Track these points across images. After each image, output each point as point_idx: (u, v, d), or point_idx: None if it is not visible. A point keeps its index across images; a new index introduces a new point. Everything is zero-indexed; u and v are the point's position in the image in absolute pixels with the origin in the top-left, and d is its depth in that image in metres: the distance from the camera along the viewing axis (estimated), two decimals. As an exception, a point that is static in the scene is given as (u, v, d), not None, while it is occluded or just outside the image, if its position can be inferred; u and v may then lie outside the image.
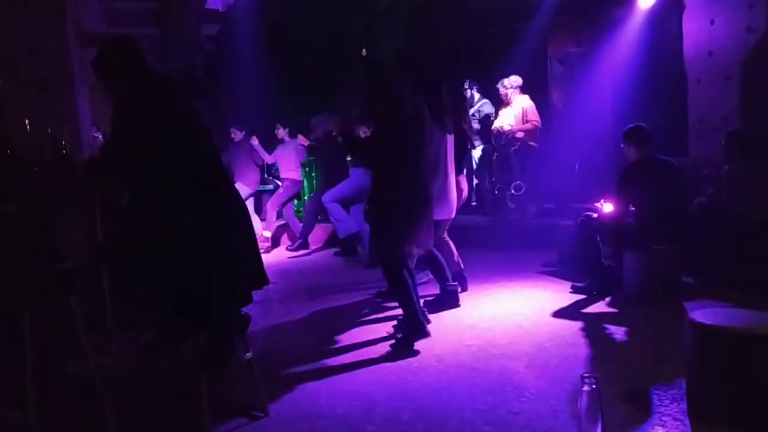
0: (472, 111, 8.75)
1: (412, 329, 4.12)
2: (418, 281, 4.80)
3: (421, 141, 4.20)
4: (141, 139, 2.94)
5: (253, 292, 3.22)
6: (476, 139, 8.76)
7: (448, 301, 5.06)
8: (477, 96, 8.82)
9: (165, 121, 2.99)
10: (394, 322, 4.60)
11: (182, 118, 3.09)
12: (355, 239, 7.41)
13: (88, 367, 2.96)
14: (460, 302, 5.11)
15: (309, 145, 8.65)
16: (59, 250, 3.02)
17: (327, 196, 7.38)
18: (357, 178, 7.26)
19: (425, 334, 4.12)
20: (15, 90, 4.50)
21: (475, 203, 9.11)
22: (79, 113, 4.78)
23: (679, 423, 2.90)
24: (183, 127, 3.05)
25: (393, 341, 4.19)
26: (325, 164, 8.23)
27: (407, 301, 4.13)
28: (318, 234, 8.60)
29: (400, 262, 4.11)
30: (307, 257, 8.12)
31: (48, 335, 2.91)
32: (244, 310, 3.26)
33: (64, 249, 3.07)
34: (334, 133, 7.44)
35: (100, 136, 5.80)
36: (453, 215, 5.16)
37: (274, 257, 8.08)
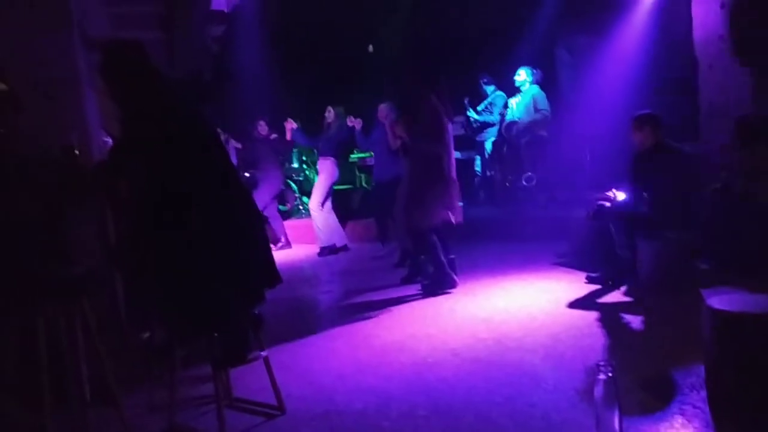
0: (484, 104, 8.73)
1: (440, 279, 5.31)
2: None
3: (446, 136, 5.24)
4: (149, 140, 2.94)
5: (265, 290, 3.21)
6: (487, 131, 8.74)
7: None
8: (491, 88, 8.78)
9: (172, 122, 2.99)
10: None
11: (189, 119, 3.08)
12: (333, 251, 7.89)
13: (103, 368, 2.97)
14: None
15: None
16: (71, 253, 3.03)
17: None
18: (327, 171, 7.91)
19: (452, 284, 5.34)
20: (23, 95, 4.51)
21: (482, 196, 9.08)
22: (87, 117, 4.78)
23: (698, 411, 2.86)
24: (190, 129, 3.05)
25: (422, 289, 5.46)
26: (262, 165, 8.32)
27: (435, 256, 5.31)
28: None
29: (428, 229, 5.29)
30: (309, 254, 8.10)
31: (62, 338, 2.92)
32: (260, 309, 3.26)
33: (76, 252, 3.07)
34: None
35: (110, 140, 5.81)
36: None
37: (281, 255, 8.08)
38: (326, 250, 7.83)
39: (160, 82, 3.11)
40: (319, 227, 7.90)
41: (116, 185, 3.21)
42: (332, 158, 7.96)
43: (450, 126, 5.56)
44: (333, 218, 7.96)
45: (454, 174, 5.42)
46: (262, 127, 8.42)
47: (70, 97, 4.78)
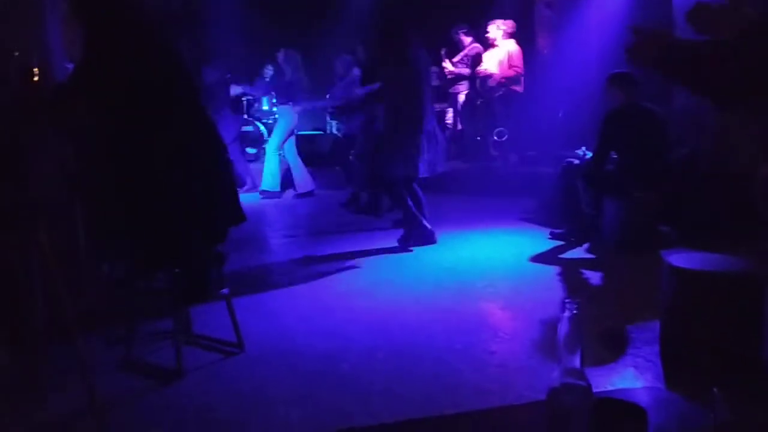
0: (460, 55, 8.61)
1: (418, 233, 5.11)
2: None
3: (421, 82, 5.00)
4: (111, 66, 2.82)
5: (230, 229, 3.16)
6: (461, 84, 8.65)
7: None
8: (468, 40, 8.65)
9: (137, 49, 2.87)
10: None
11: (155, 47, 2.96)
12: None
13: (59, 301, 2.90)
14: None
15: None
16: (28, 179, 2.91)
17: (273, 146, 7.73)
18: (286, 117, 7.73)
19: (431, 239, 5.15)
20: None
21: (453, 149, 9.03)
22: (49, 39, 4.58)
23: (651, 364, 2.94)
24: (158, 58, 2.93)
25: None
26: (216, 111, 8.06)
27: (407, 210, 5.11)
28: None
29: (399, 181, 5.06)
30: (275, 198, 7.93)
31: (17, 271, 2.84)
32: (223, 247, 3.21)
33: (34, 179, 2.96)
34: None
35: (72, 66, 5.59)
36: None
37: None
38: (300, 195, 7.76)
39: (127, 7, 2.96)
40: (273, 170, 7.78)
41: (77, 110, 3.08)
42: (289, 104, 7.75)
43: (430, 73, 5.46)
44: (300, 163, 7.87)
45: (429, 125, 5.20)
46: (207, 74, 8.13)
47: (30, 18, 4.56)
